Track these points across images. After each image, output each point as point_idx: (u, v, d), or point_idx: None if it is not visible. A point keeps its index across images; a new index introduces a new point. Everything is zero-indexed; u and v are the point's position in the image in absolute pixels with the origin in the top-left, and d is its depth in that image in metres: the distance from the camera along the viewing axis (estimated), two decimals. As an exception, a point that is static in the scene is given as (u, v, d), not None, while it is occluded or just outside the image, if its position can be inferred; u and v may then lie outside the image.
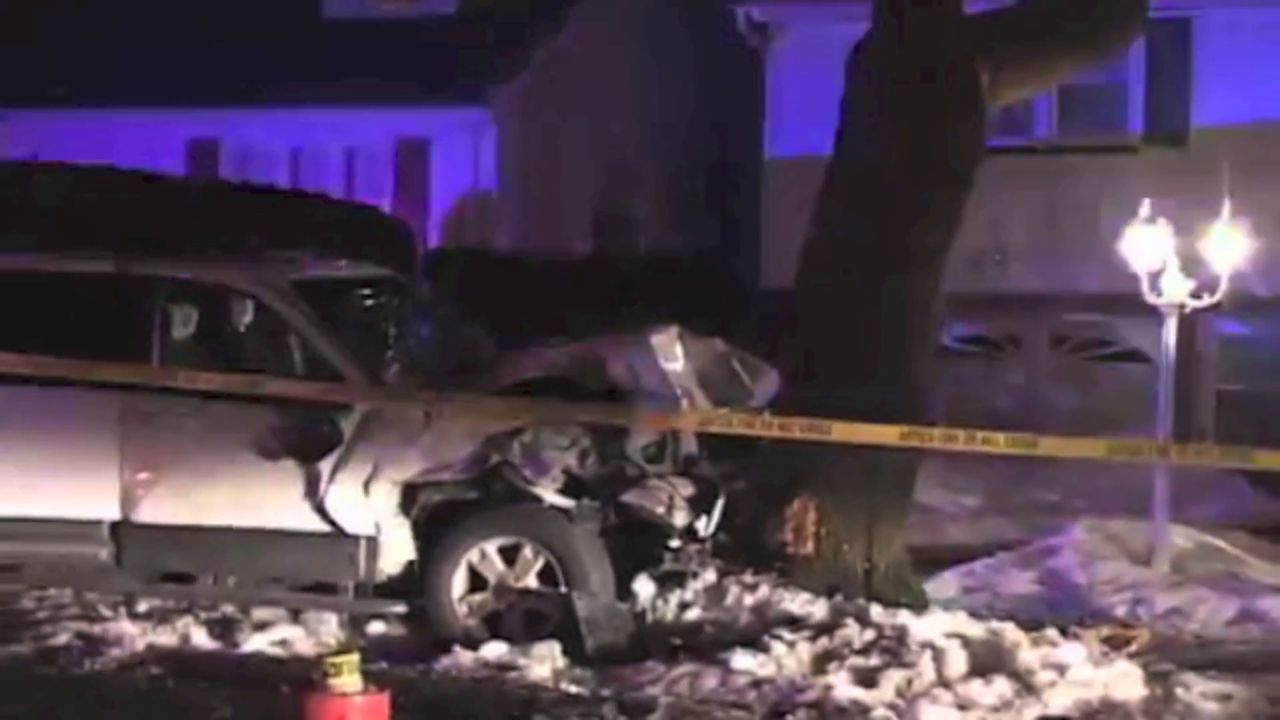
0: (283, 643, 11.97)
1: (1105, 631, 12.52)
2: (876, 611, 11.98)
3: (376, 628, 12.24)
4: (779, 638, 11.51)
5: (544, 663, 11.36)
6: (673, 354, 12.45)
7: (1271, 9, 21.28)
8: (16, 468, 11.43)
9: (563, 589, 11.76)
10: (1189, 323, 16.08)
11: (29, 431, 11.97)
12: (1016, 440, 12.58)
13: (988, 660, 11.29)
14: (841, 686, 10.90)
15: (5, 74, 26.29)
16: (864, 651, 11.37)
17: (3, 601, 11.89)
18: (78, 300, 12.57)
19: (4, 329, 11.34)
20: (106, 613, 12.42)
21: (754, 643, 11.47)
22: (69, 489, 12.30)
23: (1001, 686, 10.96)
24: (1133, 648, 12.13)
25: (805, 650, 11.40)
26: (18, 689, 10.21)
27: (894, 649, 11.37)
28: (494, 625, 11.83)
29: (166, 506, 12.36)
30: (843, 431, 11.97)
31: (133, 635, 11.96)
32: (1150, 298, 15.69)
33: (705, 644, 11.57)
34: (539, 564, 11.88)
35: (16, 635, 11.71)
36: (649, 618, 11.95)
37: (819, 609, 12.03)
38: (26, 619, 12.17)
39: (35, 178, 17.82)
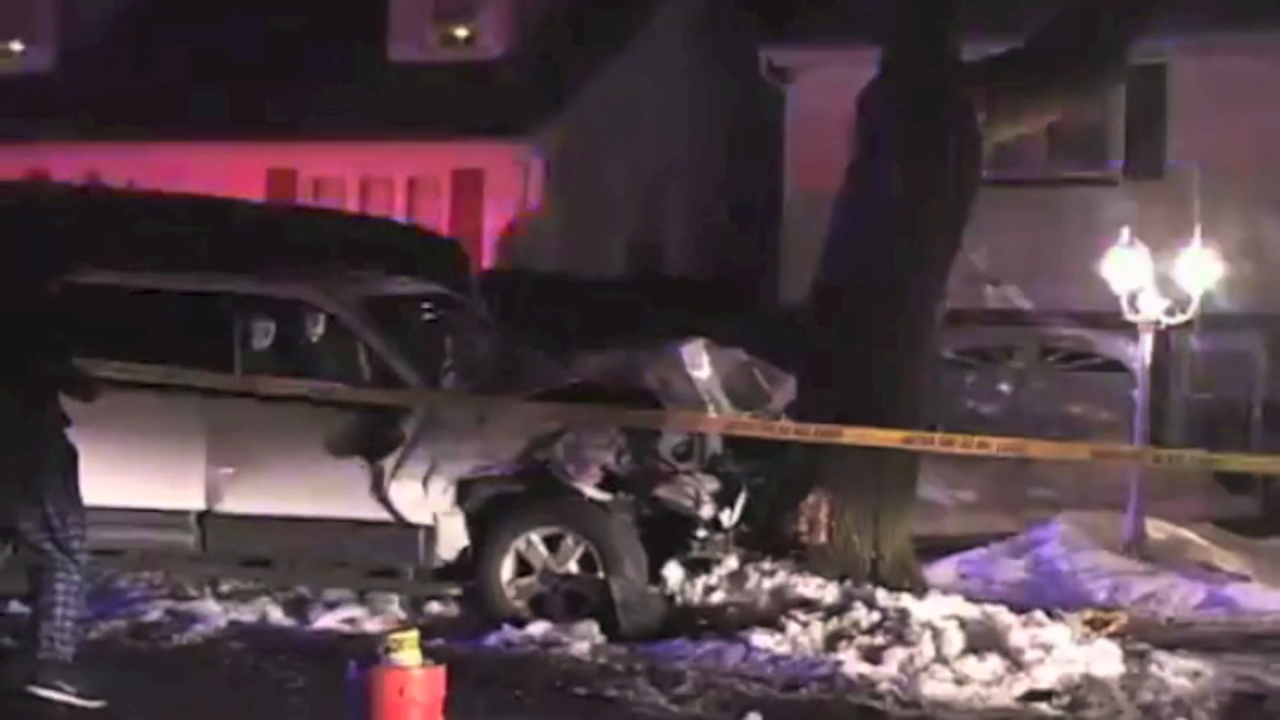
0: (350, 620, 11.98)
1: (1087, 614, 12.49)
2: (882, 595, 11.98)
3: (434, 607, 12.23)
4: (794, 619, 11.53)
5: (583, 640, 11.36)
6: (699, 364, 12.43)
7: (1234, 57, 21.22)
8: (115, 463, 11.40)
9: (600, 574, 11.74)
10: (1163, 337, 16.03)
11: (127, 431, 11.94)
12: (1008, 444, 12.60)
13: (982, 639, 11.29)
14: (850, 663, 10.94)
15: (114, 108, 26.32)
16: (870, 631, 11.39)
17: (102, 582, 11.86)
18: (170, 313, 12.58)
19: (106, 339, 11.30)
20: (193, 593, 12.47)
21: (772, 623, 11.49)
22: (160, 482, 12.32)
23: (994, 663, 10.98)
24: (1111, 629, 12.10)
25: (818, 630, 11.41)
26: (107, 664, 10.17)
27: (897, 629, 11.38)
28: (538, 606, 11.80)
29: (246, 498, 12.35)
30: (853, 435, 11.97)
31: (216, 613, 12.01)
32: (1129, 315, 15.67)
33: (728, 624, 11.57)
34: (579, 551, 11.85)
35: (114, 612, 11.71)
36: (678, 600, 11.92)
37: (830, 593, 12.01)
38: (123, 598, 12.19)
39: (134, 202, 17.90)
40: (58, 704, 9.54)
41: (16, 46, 28.95)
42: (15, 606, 10.18)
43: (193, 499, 12.40)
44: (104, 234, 14.77)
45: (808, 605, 11.78)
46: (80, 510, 9.84)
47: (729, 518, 12.24)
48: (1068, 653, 11.25)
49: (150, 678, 10.34)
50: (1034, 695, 10.63)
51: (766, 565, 12.34)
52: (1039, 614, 11.95)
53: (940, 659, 11.01)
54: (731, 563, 12.26)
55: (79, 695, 9.61)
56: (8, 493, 9.71)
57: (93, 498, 10.05)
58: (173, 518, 12.38)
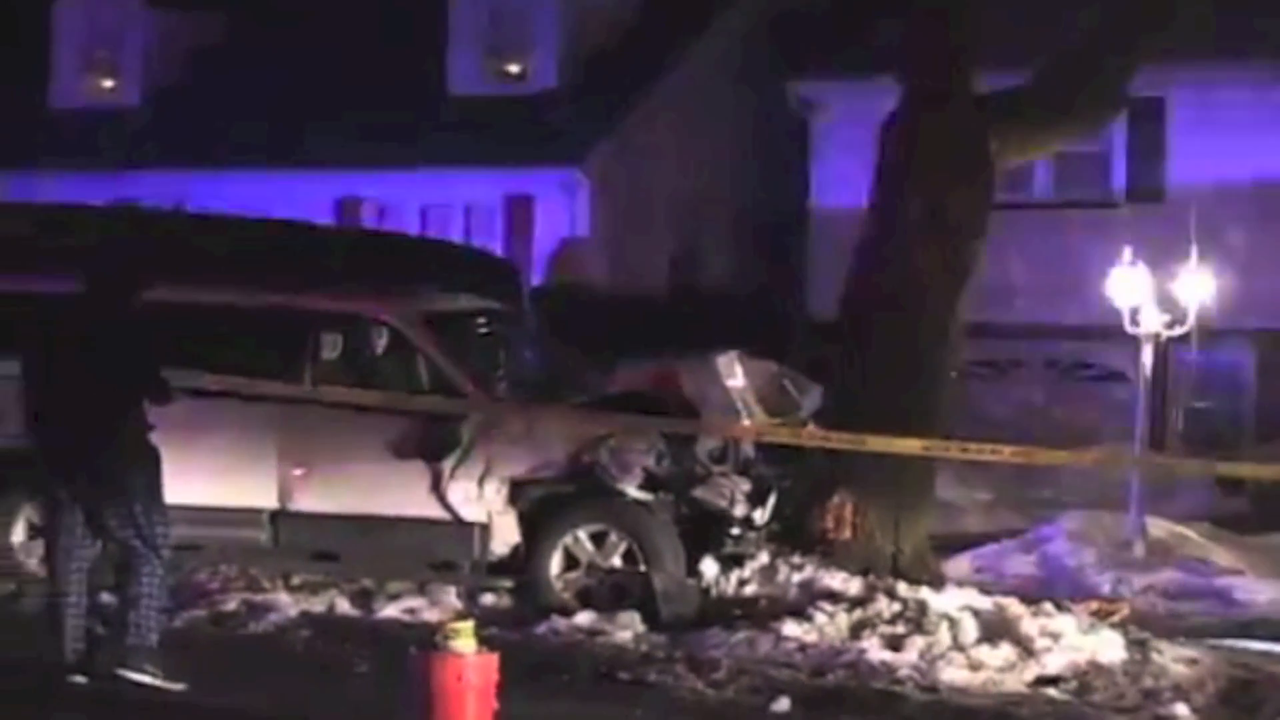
0: (411, 610, 11.97)
1: (1093, 605, 12.46)
2: (902, 588, 11.96)
3: (488, 599, 12.23)
4: (821, 609, 11.52)
5: (626, 629, 11.38)
6: (734, 374, 12.43)
7: (1228, 89, 21.17)
8: (195, 465, 11.43)
9: (642, 568, 11.77)
10: (1162, 350, 15.98)
11: (206, 435, 12.00)
12: (1019, 451, 12.60)
13: (995, 629, 11.28)
14: (873, 650, 10.93)
15: (195, 140, 26.43)
16: (892, 621, 11.38)
17: (184, 575, 11.89)
18: (246, 327, 12.62)
19: (186, 350, 11.33)
20: (266, 585, 12.46)
21: (800, 613, 11.47)
22: (237, 483, 12.36)
23: (1006, 651, 10.97)
24: (1115, 619, 12.07)
25: (843, 620, 11.40)
26: (189, 651, 10.19)
27: (917, 619, 11.38)
28: (584, 598, 11.83)
29: (315, 498, 12.40)
30: (875, 443, 11.97)
31: (288, 604, 12.02)
32: (1130, 329, 15.63)
33: (760, 614, 11.55)
34: (623, 547, 11.87)
35: (194, 603, 11.74)
36: (713, 592, 11.92)
37: (854, 586, 12.00)
38: (202, 589, 12.19)
39: (214, 225, 17.94)
40: (145, 686, 9.57)
41: (107, 83, 29.05)
42: (105, 597, 10.18)
43: (266, 498, 12.45)
44: (186, 254, 14.82)
45: (833, 597, 11.77)
46: (163, 508, 9.86)
47: (760, 516, 12.24)
48: (1074, 641, 11.23)
49: (227, 663, 10.37)
50: (1043, 680, 10.63)
51: (795, 560, 12.34)
52: (1048, 605, 11.92)
53: (957, 647, 11.00)
54: (763, 558, 12.26)
55: (164, 679, 9.65)
56: (97, 492, 9.75)
57: (175, 497, 10.08)
58: (248, 516, 12.44)
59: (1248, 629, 12.59)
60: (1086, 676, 10.68)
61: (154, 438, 9.89)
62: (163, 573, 9.84)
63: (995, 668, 10.74)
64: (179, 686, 9.64)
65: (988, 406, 20.87)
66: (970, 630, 11.20)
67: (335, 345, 12.75)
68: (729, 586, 11.99)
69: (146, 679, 9.61)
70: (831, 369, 13.23)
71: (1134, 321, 15.60)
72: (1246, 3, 16.85)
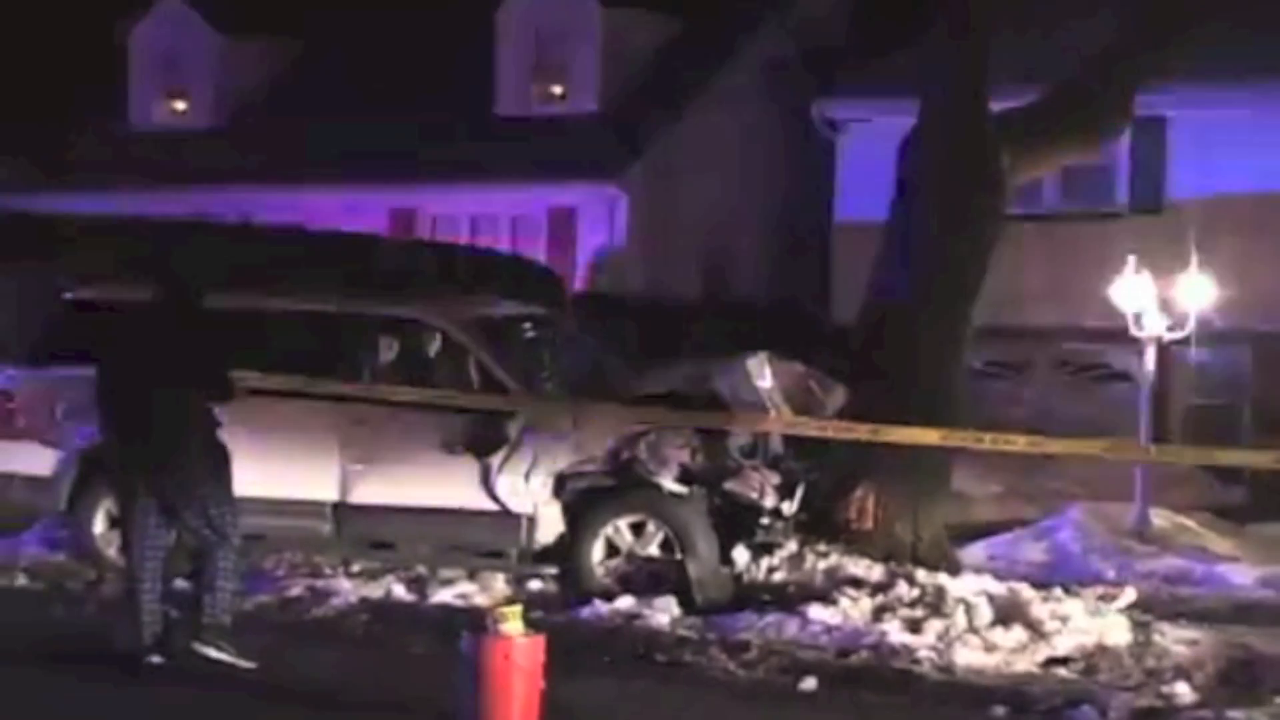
0: (463, 596, 11.98)
1: (1099, 591, 12.39)
2: (921, 574, 11.92)
3: (534, 585, 12.24)
4: (845, 594, 11.49)
5: (663, 613, 11.35)
6: (763, 374, 12.39)
7: (1224, 110, 21.11)
8: (262, 460, 11.45)
9: (678, 556, 11.74)
10: (1165, 351, 15.94)
11: (273, 432, 12.03)
12: (1032, 441, 12.56)
13: (1008, 612, 11.23)
14: (894, 633, 10.88)
15: (263, 158, 26.54)
16: (911, 605, 11.34)
17: (253, 562, 11.91)
18: (310, 331, 12.66)
19: (255, 354, 11.35)
20: (328, 572, 12.52)
21: (826, 598, 11.44)
22: (301, 477, 12.38)
23: (1018, 633, 10.92)
24: (1120, 603, 12.00)
25: (866, 604, 11.37)
26: (258, 632, 10.23)
27: (934, 604, 11.33)
28: (624, 583, 11.79)
29: (374, 491, 12.42)
30: (895, 435, 11.94)
31: (348, 589, 12.03)
32: (1134, 331, 15.60)
33: (788, 599, 11.53)
34: (660, 536, 11.86)
35: (262, 589, 11.75)
36: (744, 578, 11.90)
37: (876, 572, 11.98)
38: (269, 576, 12.24)
39: (281, 235, 17.96)
40: (220, 663, 9.62)
41: (180, 106, 29.18)
42: (178, 583, 10.21)
43: (328, 491, 12.47)
44: (255, 263, 14.87)
45: (857, 583, 11.74)
46: (232, 500, 9.91)
47: (789, 507, 12.20)
48: (1082, 624, 11.19)
49: (293, 644, 10.41)
50: (1053, 661, 10.58)
51: (821, 548, 12.32)
52: (1057, 590, 11.89)
53: (972, 629, 10.96)
54: (791, 546, 12.24)
55: (235, 655, 9.69)
56: (171, 486, 9.78)
57: (243, 490, 10.12)
58: (312, 508, 12.46)
59: (1245, 613, 12.54)
60: (1093, 657, 10.64)
61: (223, 435, 9.93)
62: (234, 559, 9.91)
63: (1008, 649, 10.70)
64: (249, 664, 9.69)
65: (1000, 405, 20.81)
66: (984, 614, 11.14)
67: (391, 347, 12.79)
68: (759, 573, 11.96)
69: (220, 655, 9.66)
70: (854, 369, 13.19)
71: (1138, 325, 15.57)
72: (1241, 27, 16.77)
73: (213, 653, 9.65)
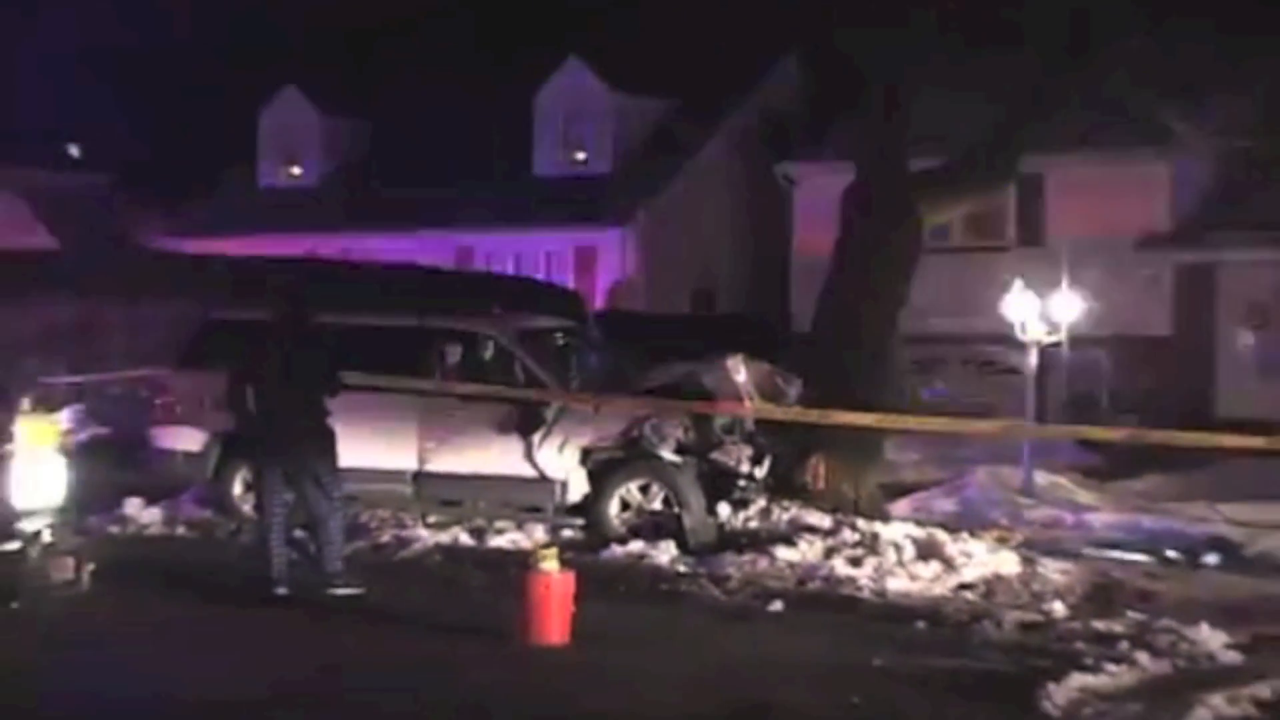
0: (512, 541, 11.96)
1: (995, 534, 12.41)
2: (861, 523, 11.94)
3: (567, 533, 12.23)
4: (803, 539, 11.50)
5: (665, 554, 11.35)
6: (739, 371, 12.38)
7: (1085, 169, 21.11)
8: (360, 439, 11.43)
9: (676, 510, 11.73)
10: (1044, 352, 15.95)
11: (368, 418, 11.95)
12: (947, 423, 12.62)
13: (926, 551, 11.27)
14: (840, 567, 10.90)
15: (357, 208, 26.55)
16: (854, 546, 11.35)
17: (353, 516, 11.94)
18: (394, 342, 12.63)
19: (355, 358, 11.35)
20: (409, 523, 12.45)
21: (789, 541, 11.46)
22: (388, 451, 12.33)
23: (935, 567, 10.95)
24: (1011, 543, 12.03)
25: (819, 546, 11.38)
26: (359, 569, 10.26)
27: (871, 545, 11.35)
28: (634, 531, 11.78)
29: (444, 461, 12.39)
30: (840, 418, 11.95)
31: (425, 537, 12.01)
32: (1020, 337, 15.58)
33: (760, 542, 11.52)
34: (661, 495, 11.84)
35: (361, 537, 11.70)
36: (726, 527, 11.88)
37: (826, 521, 11.98)
38: (366, 527, 12.18)
39: (372, 269, 17.95)
40: (344, 597, 9.66)
41: (296, 170, 29.23)
42: (297, 533, 10.25)
43: (409, 462, 12.44)
44: (353, 289, 14.91)
45: (812, 530, 11.74)
46: (337, 471, 9.93)
47: (760, 472, 12.21)
48: (983, 559, 11.21)
49: (385, 578, 10.39)
50: (961, 587, 10.59)
51: (784, 503, 12.31)
52: (964, 534, 11.92)
53: (900, 564, 10.97)
54: (761, 502, 12.24)
55: (347, 586, 9.74)
56: (292, 461, 9.82)
57: (346, 462, 10.13)
58: (397, 475, 12.42)
59: (1102, 547, 12.55)
60: (991, 584, 10.64)
61: (331, 421, 9.96)
62: (340, 517, 9.94)
63: (927, 579, 10.70)
64: (358, 591, 9.74)
65: (919, 395, 20.82)
66: (909, 552, 11.16)
67: (455, 354, 12.76)
68: (738, 523, 11.95)
69: (343, 591, 9.72)
70: (808, 367, 13.20)
71: (1023, 331, 15.54)
72: (1093, 109, 16.76)
73: (339, 591, 9.71)
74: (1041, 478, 14.99)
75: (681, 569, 10.96)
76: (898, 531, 11.70)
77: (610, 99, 26.09)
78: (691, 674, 8.05)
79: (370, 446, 12.02)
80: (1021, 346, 15.69)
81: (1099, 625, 9.29)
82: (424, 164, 27.10)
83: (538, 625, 8.40)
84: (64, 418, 15.72)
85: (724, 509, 11.95)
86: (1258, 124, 20.43)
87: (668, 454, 11.84)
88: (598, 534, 11.87)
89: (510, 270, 24.97)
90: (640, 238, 25.11)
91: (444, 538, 12.03)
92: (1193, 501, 14.48)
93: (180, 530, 12.41)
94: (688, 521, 11.64)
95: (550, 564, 8.51)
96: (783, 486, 12.56)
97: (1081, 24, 13.56)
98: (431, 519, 12.61)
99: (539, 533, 12.19)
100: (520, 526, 12.32)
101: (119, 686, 7.27)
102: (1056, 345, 16.34)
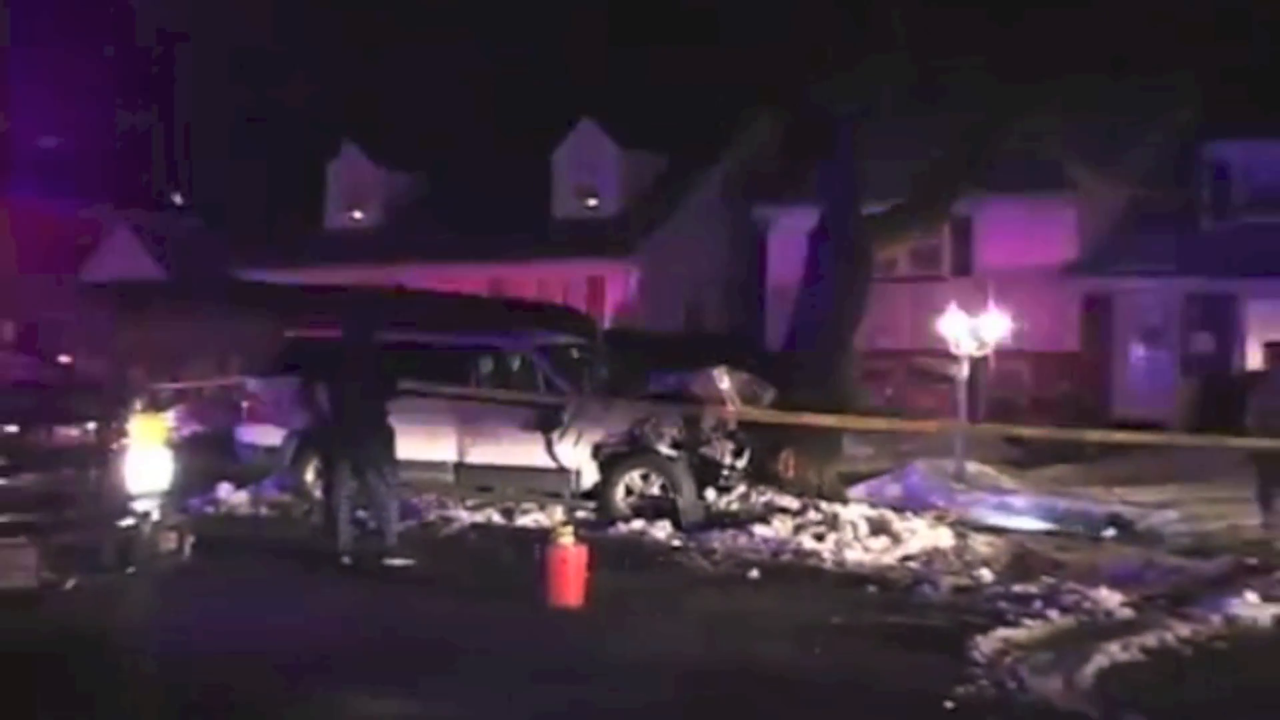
0: (536, 521, 11.93)
1: (934, 514, 12.42)
2: (824, 505, 11.93)
3: (580, 514, 12.23)
4: (776, 518, 11.49)
5: (662, 531, 11.35)
6: (723, 380, 12.42)
7: (1011, 207, 21.03)
8: (412, 436, 11.39)
9: (671, 495, 11.73)
10: (975, 363, 15.98)
11: (418, 419, 11.84)
12: (892, 423, 12.64)
13: (878, 528, 11.27)
14: (807, 542, 10.91)
15: (411, 245, 26.50)
16: (818, 524, 11.35)
17: (405, 500, 11.93)
18: (439, 355, 12.64)
19: (407, 369, 11.34)
20: (450, 505, 12.41)
21: (765, 520, 11.47)
22: (434, 445, 12.33)
23: (885, 541, 10.96)
24: (947, 521, 12.02)
25: (789, 524, 11.38)
26: (410, 543, 10.30)
27: (832, 523, 11.36)
28: (637, 512, 11.77)
29: (479, 454, 12.41)
30: (806, 419, 11.99)
31: (463, 517, 11.96)
32: (955, 351, 15.60)
33: (741, 521, 11.54)
34: (659, 483, 11.84)
35: (411, 517, 11.42)
36: (713, 509, 11.88)
37: (795, 504, 11.98)
38: (415, 508, 11.88)
39: (422, 296, 17.96)
40: (396, 567, 9.66)
41: (358, 215, 29.25)
42: (360, 514, 10.28)
43: (451, 455, 12.45)
44: (405, 312, 14.92)
45: (783, 511, 11.73)
46: (395, 462, 9.95)
47: (740, 464, 12.20)
48: (924, 535, 11.20)
49: (431, 551, 10.41)
50: (906, 558, 10.59)
51: (761, 489, 12.32)
52: (909, 514, 11.91)
53: (856, 539, 10.97)
54: (742, 488, 12.24)
55: (400, 558, 9.75)
56: (358, 454, 9.85)
57: (402, 454, 10.15)
58: (441, 465, 12.43)
59: (1021, 523, 12.56)
60: (930, 555, 10.66)
61: (390, 420, 9.99)
62: (396, 501, 9.96)
63: (878, 551, 10.72)
64: (411, 561, 9.76)
65: (873, 399, 20.82)
66: (863, 529, 11.17)
67: (487, 366, 12.78)
68: (722, 505, 11.96)
69: (396, 562, 9.72)
70: (778, 378, 13.24)
71: (957, 347, 15.56)
72: (1020, 158, 16.79)
73: (393, 561, 9.71)
74: (972, 467, 14.99)
75: (676, 544, 10.98)
76: (854, 512, 11.71)
77: (617, 153, 26.12)
78: (684, 629, 8.06)
79: (419, 442, 11.97)
80: (955, 359, 15.71)
81: (1018, 588, 9.31)
82: (462, 209, 27.11)
83: (557, 590, 8.41)
84: (169, 417, 15.77)
85: (711, 494, 11.96)
86: (1148, 175, 20.54)
87: (664, 448, 11.86)
88: (606, 514, 11.87)
89: (533, 297, 24.96)
90: (642, 269, 25.11)
91: (479, 517, 12.02)
92: (1095, 486, 14.52)
93: (262, 510, 12.41)
94: (681, 504, 11.64)
95: (567, 539, 8.53)
96: (759, 475, 12.57)
97: (1002, 93, 13.65)
98: (469, 502, 12.61)
99: (558, 513, 12.17)
100: (542, 508, 12.31)
101: (217, 633, 7.35)
102: (984, 358, 16.37)
